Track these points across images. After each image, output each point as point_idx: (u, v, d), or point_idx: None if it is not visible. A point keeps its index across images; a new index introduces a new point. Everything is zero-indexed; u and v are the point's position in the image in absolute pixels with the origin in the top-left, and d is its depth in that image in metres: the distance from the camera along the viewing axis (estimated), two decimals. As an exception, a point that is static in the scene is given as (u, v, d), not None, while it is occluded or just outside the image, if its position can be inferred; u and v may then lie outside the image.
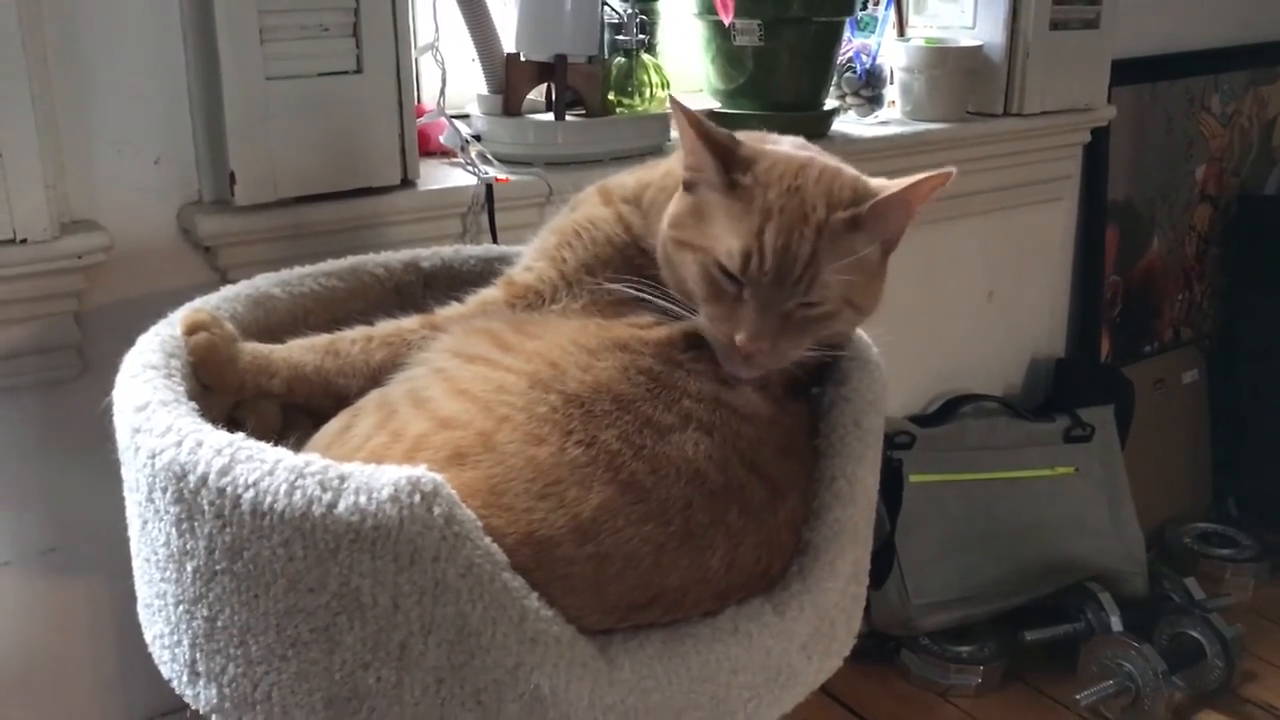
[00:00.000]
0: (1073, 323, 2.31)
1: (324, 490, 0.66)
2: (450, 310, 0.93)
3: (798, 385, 0.91)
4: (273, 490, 0.66)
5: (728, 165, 0.88)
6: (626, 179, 1.01)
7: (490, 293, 0.94)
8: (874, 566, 2.01)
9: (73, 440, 1.27)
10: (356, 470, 0.68)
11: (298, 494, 0.66)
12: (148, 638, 0.81)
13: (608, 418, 0.77)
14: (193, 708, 0.75)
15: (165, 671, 0.78)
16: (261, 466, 0.68)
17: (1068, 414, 2.12)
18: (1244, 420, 2.46)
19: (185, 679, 0.74)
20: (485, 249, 1.15)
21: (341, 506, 0.65)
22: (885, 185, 0.90)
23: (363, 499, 0.65)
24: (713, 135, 0.89)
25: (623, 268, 0.92)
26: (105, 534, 1.26)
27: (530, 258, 0.97)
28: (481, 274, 1.08)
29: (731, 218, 0.86)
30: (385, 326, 0.92)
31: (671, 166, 0.99)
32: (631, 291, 0.89)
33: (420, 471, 0.67)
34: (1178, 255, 2.44)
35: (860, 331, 0.95)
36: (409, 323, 0.91)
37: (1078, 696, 1.85)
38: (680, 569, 0.76)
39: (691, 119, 0.88)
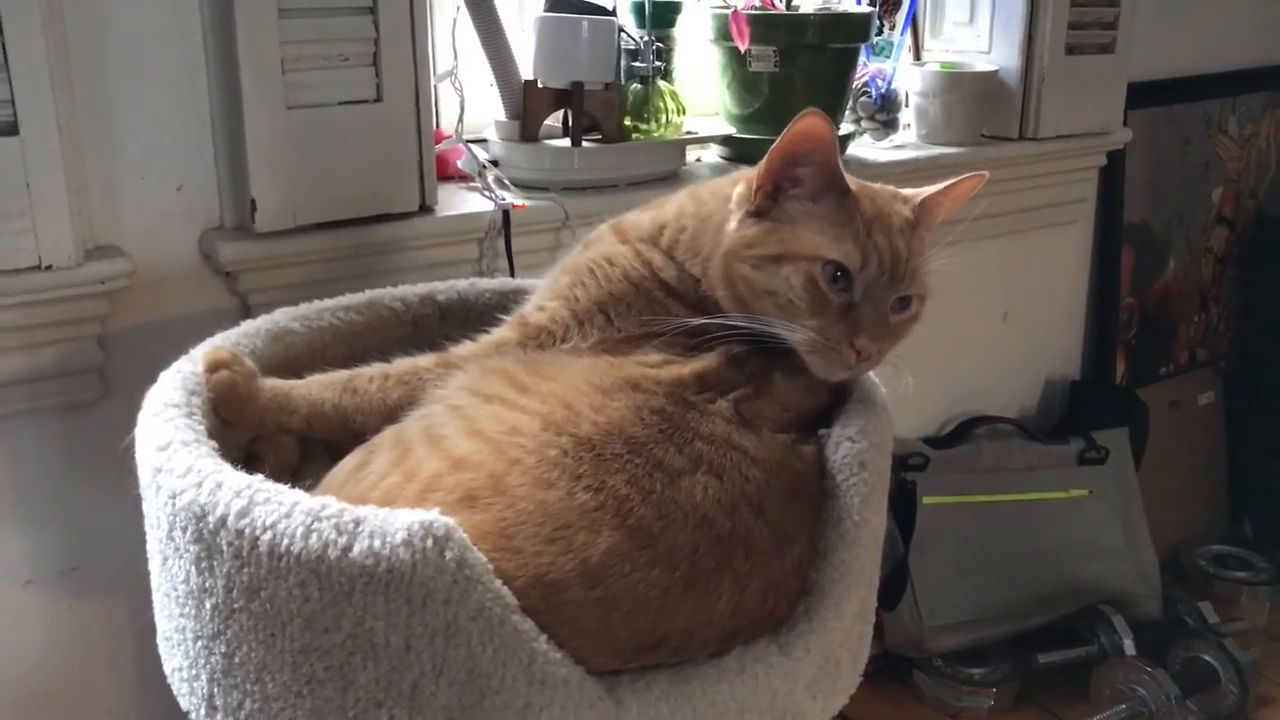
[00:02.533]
0: (1088, 345, 2.31)
1: (339, 534, 0.67)
2: (464, 349, 0.95)
3: (809, 427, 0.92)
4: (290, 533, 0.68)
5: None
6: (641, 218, 1.03)
7: (503, 332, 0.96)
8: (887, 588, 2.03)
9: (94, 462, 1.29)
10: (371, 514, 0.69)
11: (314, 537, 0.68)
12: (167, 669, 0.82)
13: (618, 461, 0.79)
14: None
15: (184, 704, 0.79)
16: (279, 509, 0.69)
17: (1082, 436, 2.13)
18: (1260, 442, 2.46)
19: (203, 712, 0.76)
20: (501, 282, 1.17)
21: (356, 550, 0.67)
22: (918, 191, 0.99)
23: (377, 543, 0.67)
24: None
25: (639, 303, 0.94)
26: (125, 554, 1.28)
27: (543, 297, 0.99)
28: (497, 307, 1.09)
29: (835, 225, 0.91)
30: (402, 364, 0.93)
31: (683, 204, 1.01)
32: (683, 324, 0.92)
33: (433, 516, 0.69)
34: (1194, 277, 2.44)
35: (870, 374, 0.96)
36: (425, 361, 0.93)
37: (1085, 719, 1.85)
38: (686, 612, 0.78)
39: (825, 130, 0.92)
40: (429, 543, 0.66)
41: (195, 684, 0.76)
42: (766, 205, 0.93)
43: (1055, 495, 2.09)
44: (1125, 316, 2.32)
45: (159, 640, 0.85)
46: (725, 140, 1.78)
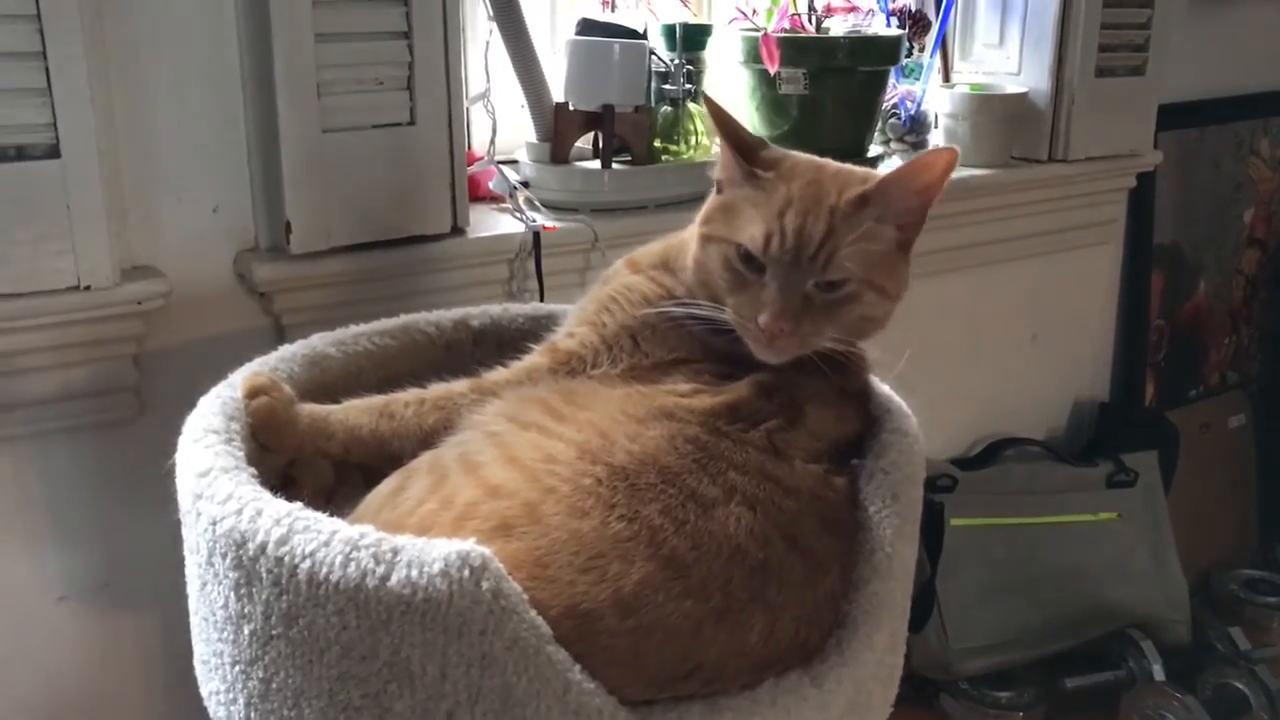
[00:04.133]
0: (1117, 367, 2.30)
1: (377, 563, 0.68)
2: (498, 375, 0.96)
3: (841, 457, 0.93)
4: (328, 561, 0.69)
5: (752, 162, 0.96)
6: (651, 248, 1.07)
7: (535, 359, 0.97)
8: (914, 610, 2.01)
9: (129, 479, 1.31)
10: (409, 544, 0.70)
11: (352, 566, 0.69)
12: (204, 692, 0.83)
13: (651, 491, 0.80)
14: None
15: None
16: (318, 537, 0.70)
17: (1111, 459, 2.12)
18: (1292, 466, 2.44)
19: None
20: (534, 307, 1.18)
21: (394, 579, 0.68)
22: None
23: (414, 573, 0.68)
24: (740, 134, 0.97)
25: (664, 328, 0.96)
26: (157, 571, 1.30)
27: (571, 324, 1.01)
28: (529, 332, 1.11)
29: (755, 207, 0.93)
30: (437, 390, 0.94)
31: (686, 236, 1.04)
32: (678, 311, 0.94)
33: (470, 546, 0.70)
34: (1224, 299, 2.42)
35: (900, 402, 0.96)
36: (459, 386, 0.94)
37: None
38: (719, 643, 0.78)
39: (722, 118, 0.96)
40: (466, 573, 0.67)
41: (233, 708, 0.77)
42: (720, 188, 0.99)
43: (1083, 518, 2.08)
44: (1155, 338, 2.31)
45: (196, 663, 0.86)
46: (754, 162, 1.79)
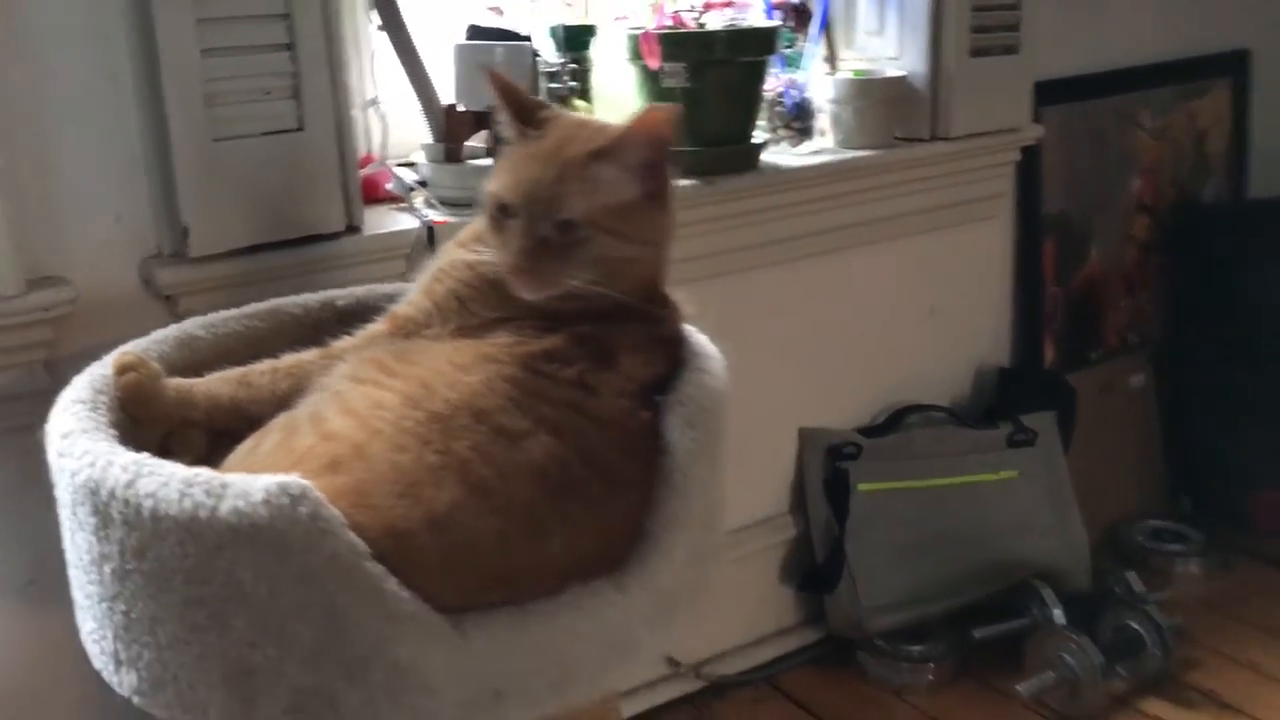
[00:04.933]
0: (1015, 333, 2.41)
1: (209, 497, 0.79)
2: (344, 342, 1.08)
3: (646, 394, 1.03)
4: (167, 499, 0.80)
5: (526, 122, 1.07)
6: (473, 225, 1.17)
7: (376, 326, 1.09)
8: (825, 572, 2.12)
9: (46, 479, 1.37)
10: (236, 479, 0.80)
11: (187, 500, 0.79)
12: (82, 635, 0.93)
13: (464, 430, 0.90)
14: (119, 693, 0.87)
15: (96, 663, 0.90)
16: (159, 479, 0.81)
17: (1011, 421, 2.22)
18: (1193, 421, 2.55)
19: (111, 668, 0.87)
20: (396, 286, 1.28)
21: (223, 510, 0.78)
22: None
23: (240, 503, 0.78)
24: (519, 97, 1.08)
25: (484, 288, 1.07)
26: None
27: (409, 295, 1.12)
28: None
29: (504, 161, 1.06)
30: (289, 359, 1.06)
31: None
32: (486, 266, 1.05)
33: (290, 478, 0.80)
34: (1118, 264, 2.54)
35: (711, 347, 1.07)
36: (309, 355, 1.06)
37: (1018, 687, 1.94)
38: (524, 554, 0.89)
39: (501, 84, 1.07)
40: (285, 500, 0.77)
41: (103, 643, 0.87)
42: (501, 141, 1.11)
43: (986, 477, 2.18)
44: (1051, 304, 2.42)
45: (76, 610, 0.95)
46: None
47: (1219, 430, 2.51)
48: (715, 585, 1.99)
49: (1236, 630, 2.19)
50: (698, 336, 1.11)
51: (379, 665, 0.81)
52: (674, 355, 1.07)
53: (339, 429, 0.90)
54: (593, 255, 1.02)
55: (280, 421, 0.96)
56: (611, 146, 1.03)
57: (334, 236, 1.49)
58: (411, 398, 0.92)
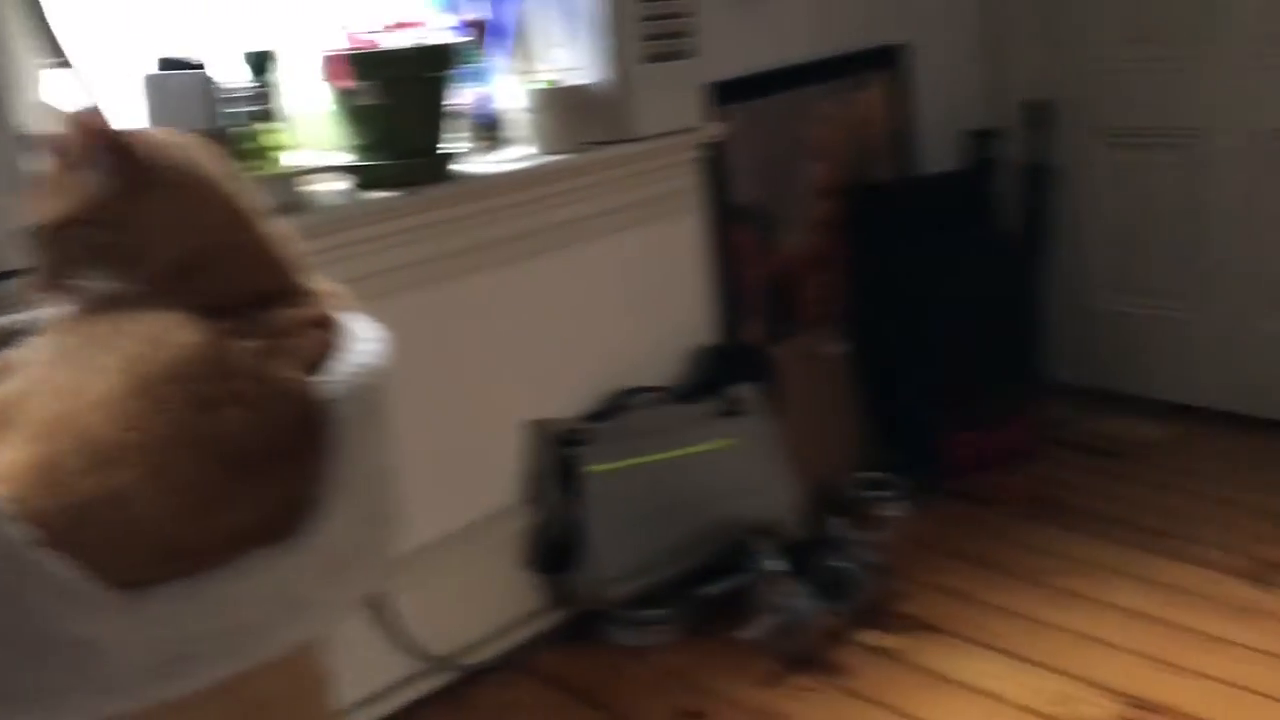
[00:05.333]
0: (722, 315, 2.60)
1: None
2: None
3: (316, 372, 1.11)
4: None
5: None
6: None
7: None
8: (561, 552, 2.24)
9: None
10: None
11: None
12: None
13: (142, 415, 0.96)
14: None
15: None
16: None
17: (720, 394, 2.41)
18: (884, 378, 2.82)
19: None
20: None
21: None
22: None
23: None
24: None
25: None
26: None
27: None
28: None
29: None
30: None
31: None
32: None
33: None
34: (809, 245, 2.78)
35: (368, 328, 1.16)
36: None
37: (742, 634, 2.12)
38: (196, 528, 0.96)
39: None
40: None
41: None
42: None
43: (704, 448, 2.36)
44: (754, 285, 2.63)
45: None
46: (350, 169, 1.96)
47: (906, 385, 2.78)
48: (460, 577, 2.10)
49: (936, 560, 2.44)
50: (356, 320, 1.19)
51: (59, 643, 0.87)
52: (335, 338, 1.15)
53: (37, 404, 0.96)
54: (90, 245, 1.07)
55: None
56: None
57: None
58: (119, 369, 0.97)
